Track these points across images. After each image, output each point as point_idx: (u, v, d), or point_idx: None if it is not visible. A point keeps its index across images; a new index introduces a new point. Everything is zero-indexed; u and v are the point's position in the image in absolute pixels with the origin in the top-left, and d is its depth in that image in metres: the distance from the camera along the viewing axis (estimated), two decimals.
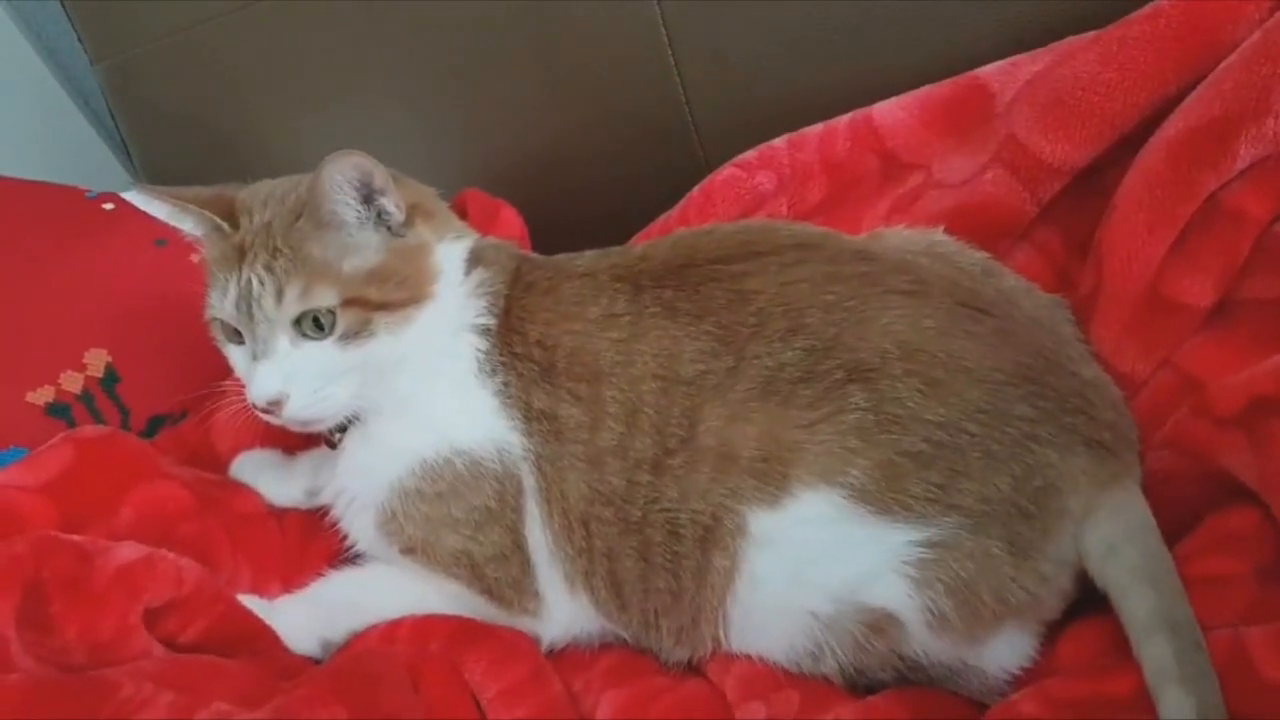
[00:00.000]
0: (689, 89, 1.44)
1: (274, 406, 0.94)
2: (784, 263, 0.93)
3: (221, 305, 0.96)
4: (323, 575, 1.05)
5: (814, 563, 0.85)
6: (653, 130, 1.47)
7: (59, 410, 1.19)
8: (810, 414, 0.85)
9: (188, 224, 1.01)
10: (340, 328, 0.93)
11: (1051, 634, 0.87)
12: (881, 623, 0.84)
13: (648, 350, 0.92)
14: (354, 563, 1.05)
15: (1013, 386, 0.84)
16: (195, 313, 1.01)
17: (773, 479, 0.85)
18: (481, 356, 0.97)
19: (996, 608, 0.82)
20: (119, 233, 1.41)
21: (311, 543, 1.11)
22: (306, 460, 1.16)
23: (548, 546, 0.96)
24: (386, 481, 0.98)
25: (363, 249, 0.95)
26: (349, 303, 0.93)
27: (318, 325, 0.93)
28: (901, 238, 1.02)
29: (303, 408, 0.94)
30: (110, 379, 1.24)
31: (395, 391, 0.97)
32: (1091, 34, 1.10)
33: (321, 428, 0.99)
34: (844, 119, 1.26)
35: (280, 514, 1.15)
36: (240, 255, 0.94)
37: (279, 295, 0.92)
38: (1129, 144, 1.04)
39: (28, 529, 0.94)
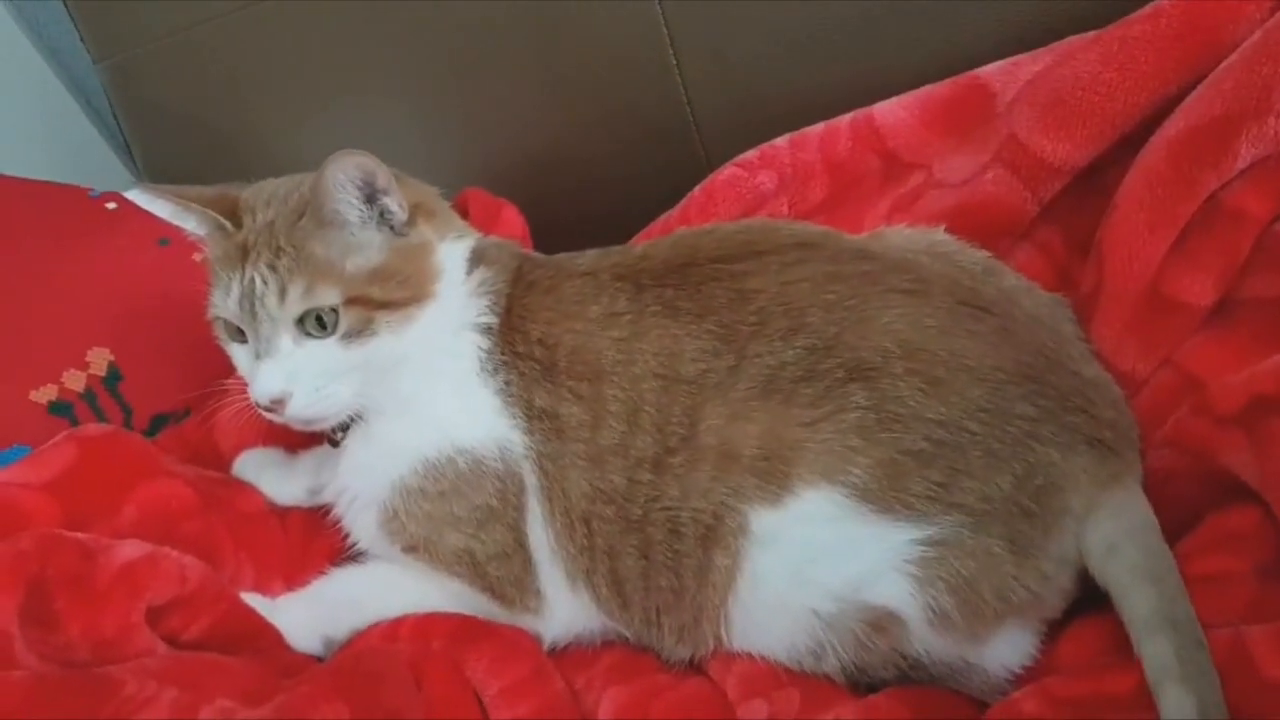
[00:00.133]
0: (690, 88, 1.44)
1: (277, 405, 0.94)
2: (785, 262, 0.93)
3: (224, 304, 0.96)
4: (325, 573, 1.06)
5: (815, 561, 0.85)
6: (654, 129, 1.48)
7: (62, 409, 1.19)
8: (811, 413, 0.85)
9: (190, 223, 1.02)
10: (343, 327, 0.93)
11: (1053, 632, 0.87)
12: (883, 621, 0.84)
13: (649, 349, 0.92)
14: (356, 561, 1.05)
15: (1014, 385, 0.85)
16: (198, 312, 1.01)
17: (774, 477, 0.85)
18: (483, 355, 0.97)
19: (998, 606, 0.83)
20: (121, 232, 1.41)
21: (314, 541, 1.11)
22: (309, 459, 1.16)
23: (549, 545, 0.96)
24: (388, 480, 0.98)
25: (365, 248, 0.95)
26: (351, 302, 0.93)
27: (320, 324, 0.93)
28: (902, 237, 1.02)
29: (305, 406, 0.94)
30: (113, 378, 1.24)
31: (397, 390, 0.97)
32: (1092, 34, 1.10)
33: (324, 426, 0.99)
34: (845, 118, 1.26)
35: (283, 512, 1.15)
36: (243, 254, 0.94)
37: (282, 294, 0.92)
38: (1130, 143, 1.04)
39: (31, 527, 0.94)
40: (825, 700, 0.87)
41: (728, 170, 1.31)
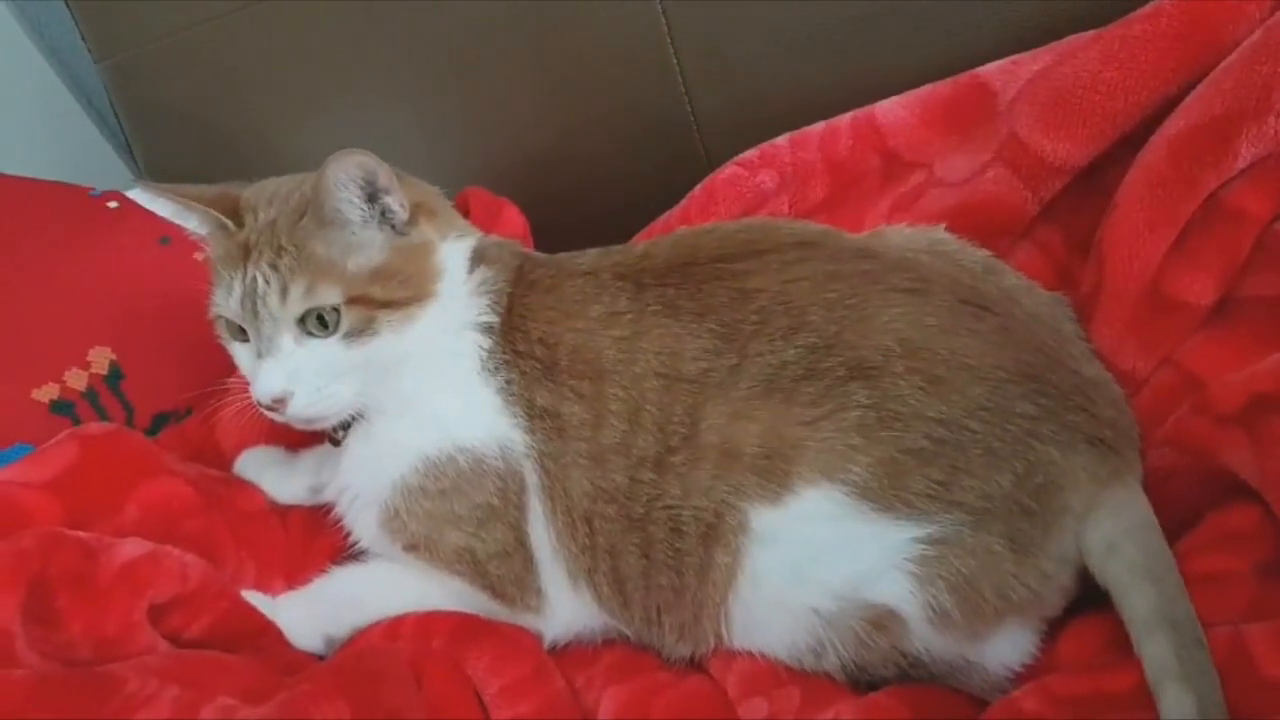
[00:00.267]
0: (691, 88, 1.44)
1: (278, 404, 0.94)
2: (786, 261, 0.94)
3: (226, 303, 0.96)
4: (326, 572, 1.06)
5: (816, 559, 0.85)
6: (655, 129, 1.48)
7: (63, 408, 1.19)
8: (812, 411, 0.85)
9: (192, 222, 1.02)
10: (344, 326, 0.93)
11: (1053, 631, 0.87)
12: (883, 619, 0.85)
13: (650, 348, 0.92)
14: (357, 559, 1.05)
15: (1014, 384, 0.85)
16: (199, 310, 1.01)
17: (775, 476, 0.85)
18: (484, 354, 0.97)
19: (998, 604, 0.83)
20: (123, 231, 1.41)
21: (315, 539, 1.11)
22: (310, 457, 1.16)
23: (550, 543, 0.96)
24: (389, 479, 0.98)
25: (367, 247, 0.95)
26: (353, 301, 0.93)
27: (322, 323, 0.93)
28: (903, 236, 1.02)
29: (306, 405, 0.94)
30: (114, 376, 1.24)
31: (398, 389, 0.97)
32: (1092, 33, 1.10)
33: (325, 425, 0.99)
34: (846, 117, 1.26)
35: (284, 511, 1.15)
36: (245, 253, 0.94)
37: (283, 293, 0.93)
38: (1130, 143, 1.04)
39: (33, 526, 0.94)
40: (825, 698, 0.87)
41: (728, 169, 1.31)
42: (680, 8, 1.40)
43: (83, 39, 1.72)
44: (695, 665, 0.95)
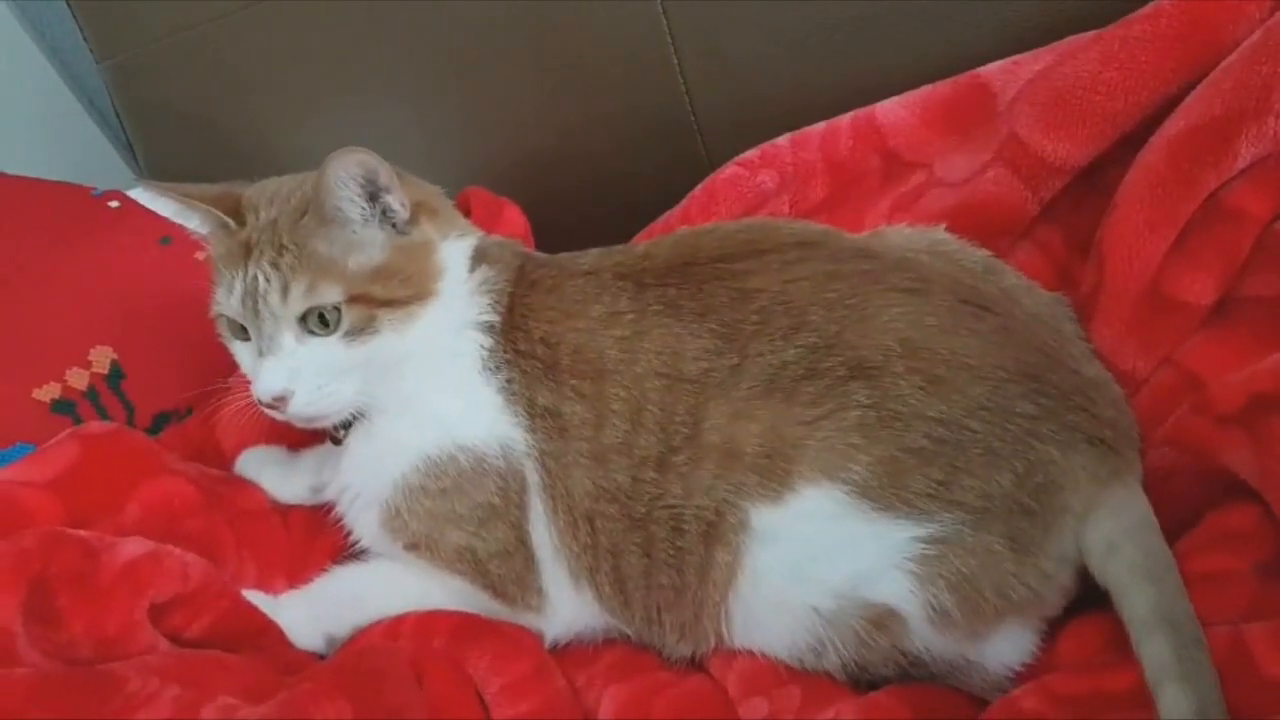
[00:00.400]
0: (691, 87, 1.44)
1: (279, 403, 0.94)
2: (786, 261, 0.94)
3: (227, 302, 0.96)
4: (327, 571, 1.06)
5: (816, 558, 0.86)
6: (655, 129, 1.48)
7: (64, 407, 1.19)
8: (813, 411, 0.85)
9: (194, 221, 1.02)
10: (345, 324, 0.93)
11: (1053, 630, 0.87)
12: (883, 618, 0.85)
13: (651, 348, 0.92)
14: (358, 559, 1.05)
15: (1014, 384, 0.85)
16: (200, 310, 1.02)
17: (775, 475, 0.85)
18: (485, 354, 0.97)
19: (998, 604, 0.83)
20: (124, 230, 1.41)
21: (316, 539, 1.11)
22: (311, 457, 1.16)
23: (552, 543, 0.96)
24: (390, 478, 0.98)
25: (367, 246, 0.95)
26: (354, 299, 0.93)
27: (323, 322, 0.93)
28: (903, 236, 1.02)
29: (307, 404, 0.94)
30: (115, 376, 1.24)
31: (399, 388, 0.97)
32: (1093, 33, 1.10)
33: (326, 424, 1.00)
34: (846, 117, 1.26)
35: (285, 510, 1.15)
36: (246, 252, 0.94)
37: (284, 292, 0.93)
38: (1130, 143, 1.04)
39: (34, 525, 0.94)
40: (826, 697, 0.87)
41: (729, 169, 1.31)
42: (681, 8, 1.40)
43: (84, 39, 1.72)
44: (696, 664, 0.95)
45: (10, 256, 1.29)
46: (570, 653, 1.00)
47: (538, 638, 0.99)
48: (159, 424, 1.26)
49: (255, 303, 0.94)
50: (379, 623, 1.01)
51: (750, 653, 0.91)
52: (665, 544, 0.90)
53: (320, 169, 0.92)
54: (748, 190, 1.29)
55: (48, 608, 0.87)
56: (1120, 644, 0.80)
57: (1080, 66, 1.07)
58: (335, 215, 0.94)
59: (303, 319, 0.94)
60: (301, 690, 0.86)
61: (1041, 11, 1.24)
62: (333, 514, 1.06)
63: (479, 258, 1.02)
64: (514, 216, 1.41)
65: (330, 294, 0.93)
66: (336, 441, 1.04)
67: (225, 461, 1.19)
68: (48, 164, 1.64)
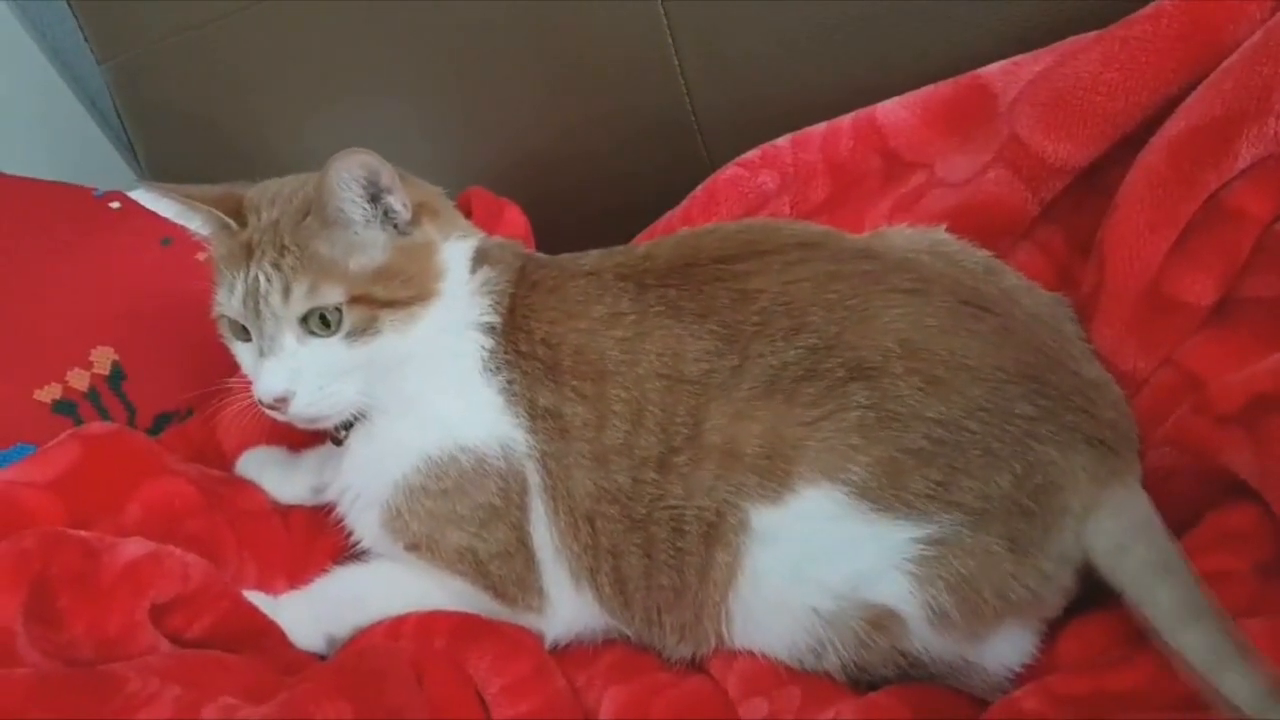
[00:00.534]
0: (692, 88, 1.44)
1: (280, 403, 0.94)
2: (787, 261, 0.94)
3: (229, 302, 0.96)
4: (327, 572, 1.06)
5: (816, 559, 0.86)
6: (656, 129, 1.48)
7: (65, 408, 1.19)
8: (813, 411, 0.85)
9: (195, 222, 1.02)
10: (346, 325, 0.94)
11: (1053, 631, 0.87)
12: (883, 619, 0.85)
13: (652, 349, 0.92)
14: (359, 559, 1.05)
15: (1014, 384, 0.85)
16: (201, 311, 1.02)
17: (775, 475, 0.85)
18: (486, 354, 0.97)
19: (997, 605, 0.83)
20: (125, 231, 1.41)
21: (317, 539, 1.11)
22: (312, 457, 1.16)
23: (553, 544, 0.96)
24: (391, 478, 0.98)
25: (369, 247, 0.95)
26: (355, 300, 0.93)
27: (324, 323, 0.93)
28: (904, 237, 1.02)
29: (308, 405, 0.94)
30: (117, 377, 1.24)
31: (401, 389, 0.97)
32: (1093, 34, 1.10)
33: (327, 425, 1.00)
34: (847, 118, 1.26)
35: (285, 511, 1.15)
36: (248, 253, 0.95)
37: (286, 292, 0.93)
38: (1131, 143, 1.04)
39: (35, 525, 0.94)
40: (826, 698, 0.87)
41: (730, 170, 1.31)
42: (681, 8, 1.40)
43: (85, 39, 1.72)
44: (696, 665, 0.95)
45: (11, 257, 1.29)
46: (570, 653, 1.00)
47: (538, 638, 0.99)
48: (160, 425, 1.26)
49: (257, 303, 0.94)
50: (380, 623, 1.01)
51: (750, 653, 0.91)
52: (666, 545, 0.90)
53: (323, 170, 0.92)
54: (748, 191, 1.29)
55: (48, 608, 0.87)
56: (1121, 643, 0.81)
57: (1081, 67, 1.07)
58: (337, 216, 0.94)
59: (304, 320, 0.94)
60: (302, 690, 0.86)
61: (1042, 12, 1.24)
62: (333, 515, 1.06)
63: (480, 259, 1.02)
64: (515, 217, 1.41)
65: (332, 295, 0.93)
66: (337, 442, 1.04)
67: (226, 462, 1.19)
68: (48, 165, 1.64)
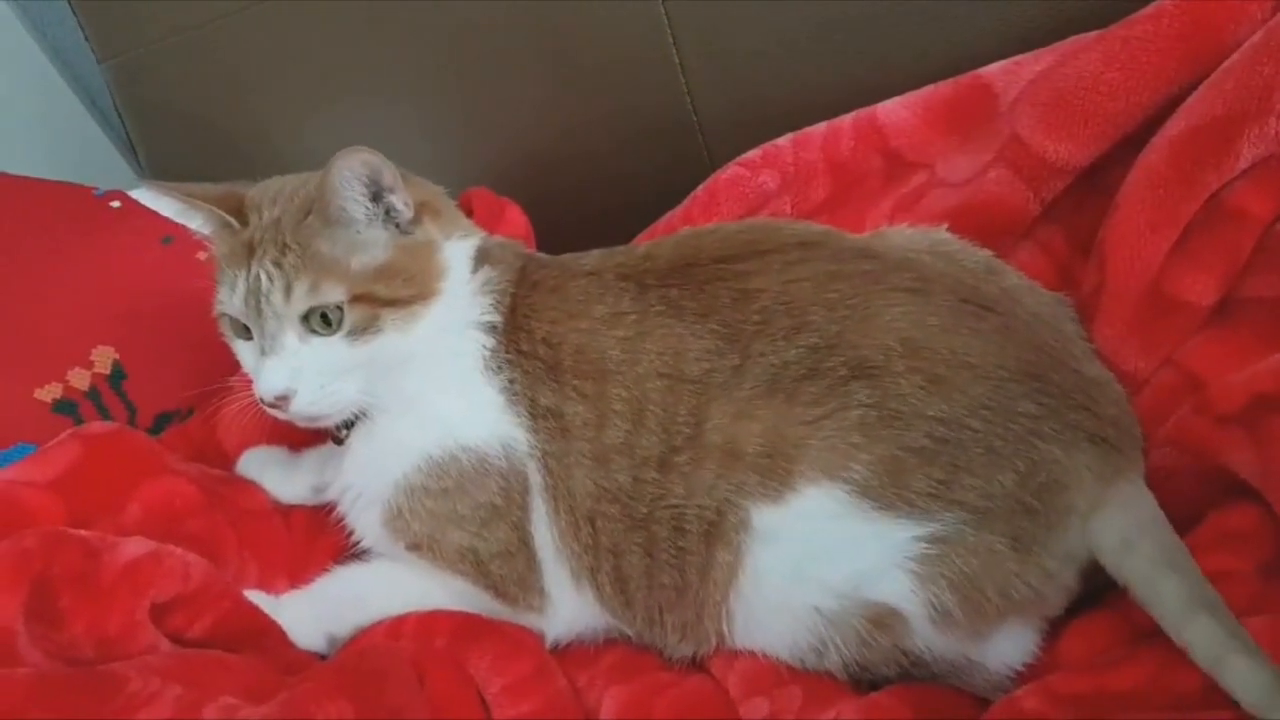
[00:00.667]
0: (693, 88, 1.44)
1: (281, 402, 0.94)
2: (787, 261, 0.94)
3: (230, 301, 0.96)
4: (328, 571, 1.06)
5: (817, 558, 0.85)
6: (657, 129, 1.48)
7: (66, 407, 1.19)
8: (814, 410, 0.85)
9: (197, 221, 1.02)
10: (348, 324, 0.94)
11: (1055, 630, 0.87)
12: (885, 618, 0.85)
13: (653, 349, 0.92)
14: (360, 559, 1.05)
15: (1016, 383, 0.85)
16: (202, 310, 1.02)
17: (776, 474, 0.85)
18: (488, 354, 0.97)
19: (1000, 603, 0.83)
20: (125, 231, 1.41)
21: (317, 539, 1.11)
22: (312, 457, 1.16)
23: (553, 543, 0.96)
24: (392, 478, 0.98)
25: (371, 246, 0.95)
26: (357, 299, 0.93)
27: (325, 321, 0.93)
28: (905, 236, 1.02)
29: (309, 403, 0.94)
30: (117, 376, 1.24)
31: (402, 388, 0.97)
32: (1094, 34, 1.10)
33: (328, 424, 1.00)
34: (848, 118, 1.26)
35: (286, 510, 1.15)
36: (249, 251, 0.95)
37: (287, 291, 0.93)
38: (1132, 143, 1.04)
39: (35, 525, 0.94)
40: (827, 698, 0.87)
41: (730, 169, 1.31)
42: (682, 8, 1.40)
43: (86, 39, 1.72)
44: (697, 665, 0.95)
45: (12, 257, 1.29)
46: (571, 653, 1.00)
47: (539, 638, 0.99)
48: (161, 424, 1.26)
49: (258, 302, 0.94)
50: (380, 623, 1.00)
51: (751, 653, 0.91)
52: (667, 544, 0.90)
53: (325, 169, 0.92)
54: (749, 190, 1.29)
55: (49, 608, 0.87)
56: (1123, 643, 0.81)
57: (1082, 67, 1.07)
58: (339, 215, 0.94)
59: (305, 318, 0.94)
60: (303, 690, 0.86)
61: (1043, 12, 1.24)
62: (334, 514, 1.06)
63: (482, 258, 1.02)
64: (516, 217, 1.41)
65: (333, 293, 0.93)
66: (338, 441, 1.04)
67: (227, 461, 1.19)
68: (49, 164, 1.64)
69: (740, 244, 0.97)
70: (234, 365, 1.02)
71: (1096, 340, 1.00)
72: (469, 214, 1.15)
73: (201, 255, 1.35)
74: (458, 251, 1.01)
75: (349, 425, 1.01)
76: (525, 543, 0.97)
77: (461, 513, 0.96)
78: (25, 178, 1.47)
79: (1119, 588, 0.82)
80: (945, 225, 1.04)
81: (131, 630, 0.89)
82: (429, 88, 1.58)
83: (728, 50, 1.40)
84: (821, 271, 0.92)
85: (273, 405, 0.95)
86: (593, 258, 1.02)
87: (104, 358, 1.25)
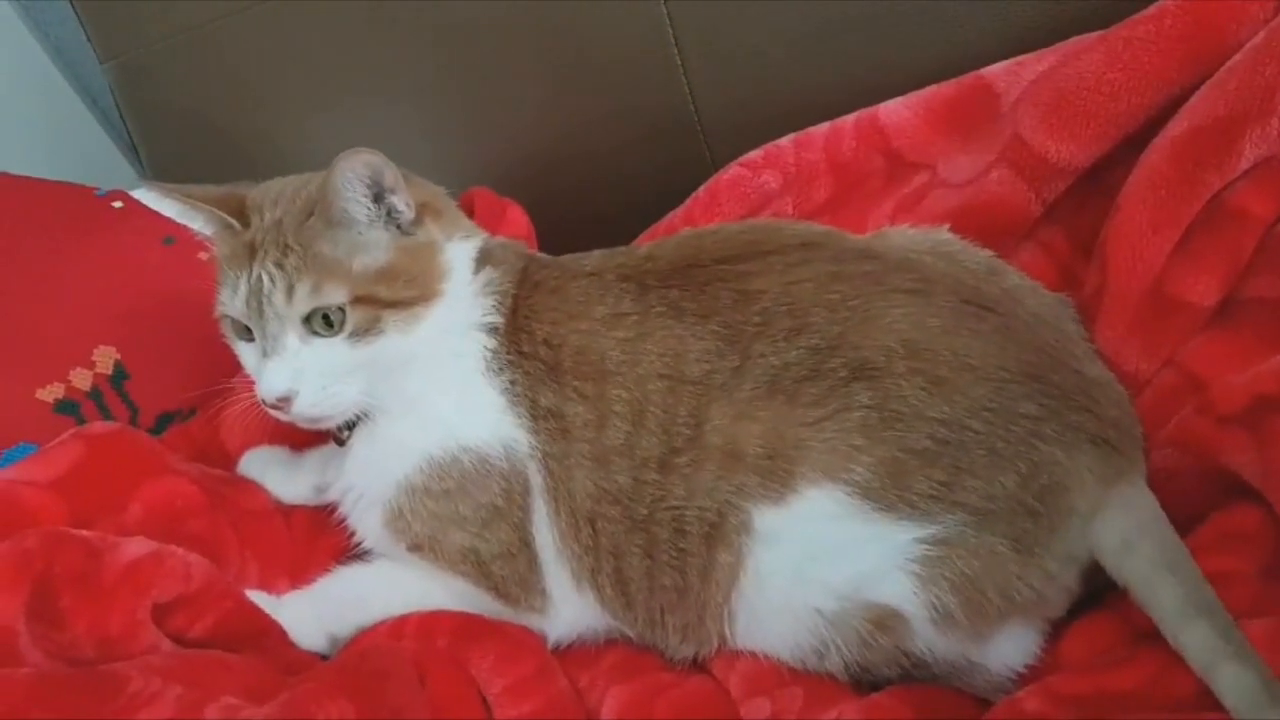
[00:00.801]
0: (695, 88, 1.44)
1: (283, 403, 0.94)
2: (789, 262, 0.94)
3: (232, 302, 0.96)
4: (330, 571, 1.06)
5: (818, 559, 0.86)
6: (658, 129, 1.48)
7: (68, 407, 1.19)
8: (815, 412, 0.85)
9: (198, 222, 1.02)
10: (350, 325, 0.94)
11: (1056, 631, 0.87)
12: (886, 619, 0.85)
13: (654, 350, 0.92)
14: (361, 559, 1.05)
15: (1017, 384, 0.85)
16: (203, 310, 1.02)
17: (777, 476, 0.85)
18: (489, 355, 0.97)
19: (1001, 605, 0.83)
20: (127, 231, 1.41)
21: (319, 539, 1.11)
22: (314, 457, 1.16)
23: (554, 544, 0.96)
24: (394, 479, 0.98)
25: (372, 247, 0.95)
26: (359, 300, 0.93)
27: (327, 323, 0.93)
28: (906, 237, 1.02)
29: (311, 405, 0.94)
30: (119, 376, 1.24)
31: (403, 389, 0.97)
32: (1096, 34, 1.10)
33: (330, 425, 1.00)
34: (850, 118, 1.26)
35: (288, 510, 1.15)
36: (251, 253, 0.95)
37: (289, 292, 0.93)
38: (1134, 144, 1.04)
39: (37, 525, 0.94)
40: (828, 698, 0.87)
41: (732, 170, 1.31)
42: (684, 8, 1.40)
43: (88, 39, 1.72)
44: (698, 665, 0.95)
45: (13, 257, 1.30)
46: (573, 653, 1.00)
47: (540, 638, 0.99)
48: (162, 424, 1.26)
49: (260, 303, 0.94)
50: (382, 623, 1.00)
51: (753, 654, 0.91)
52: (667, 545, 0.90)
53: (327, 170, 0.92)
54: (751, 191, 1.29)
55: (50, 608, 0.87)
56: (1124, 644, 0.80)
57: (1084, 67, 1.07)
58: (341, 216, 0.94)
59: (307, 320, 0.94)
60: (304, 690, 0.85)
61: (1045, 12, 1.24)
62: (336, 515, 1.06)
63: (483, 259, 1.02)
64: (517, 217, 1.42)
65: (335, 295, 0.93)
66: (340, 442, 1.04)
67: (229, 462, 1.19)
68: (51, 164, 1.64)
69: (742, 245, 0.97)
70: (236, 366, 1.03)
71: (1098, 341, 1.00)
72: (470, 214, 1.15)
73: (203, 256, 1.35)
74: (459, 253, 1.01)
75: (350, 426, 1.01)
76: (526, 543, 0.97)
77: (463, 513, 0.96)
78: (27, 178, 1.47)
79: (1120, 589, 0.82)
80: (947, 226, 1.04)
81: (133, 630, 0.89)
82: (430, 88, 1.58)
83: (729, 50, 1.40)
84: (823, 272, 0.92)
85: (274, 406, 0.95)
86: (594, 258, 1.02)
87: (106, 358, 1.25)
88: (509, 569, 0.97)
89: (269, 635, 0.99)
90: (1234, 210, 0.96)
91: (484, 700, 0.92)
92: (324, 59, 1.60)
